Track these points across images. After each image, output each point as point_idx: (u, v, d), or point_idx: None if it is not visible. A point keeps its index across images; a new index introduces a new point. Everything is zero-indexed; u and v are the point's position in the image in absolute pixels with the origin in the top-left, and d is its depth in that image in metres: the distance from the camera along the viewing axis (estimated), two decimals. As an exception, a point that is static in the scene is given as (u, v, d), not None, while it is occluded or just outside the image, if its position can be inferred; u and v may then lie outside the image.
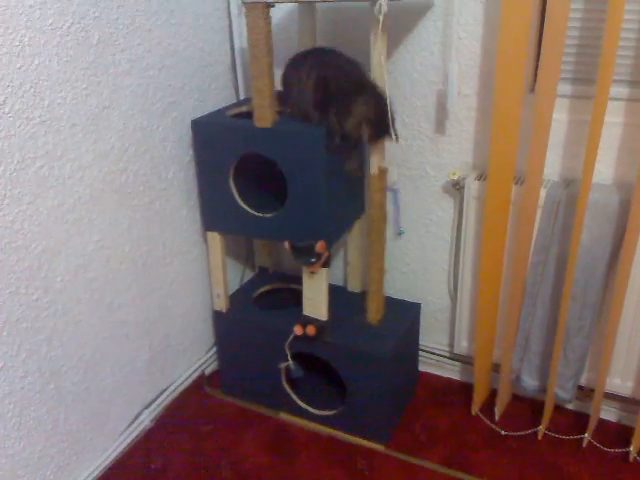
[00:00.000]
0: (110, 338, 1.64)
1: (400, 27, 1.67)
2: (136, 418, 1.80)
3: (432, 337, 2.01)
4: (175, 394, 1.94)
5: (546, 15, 1.34)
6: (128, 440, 1.76)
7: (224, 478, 1.66)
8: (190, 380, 2.00)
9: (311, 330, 1.70)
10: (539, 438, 1.74)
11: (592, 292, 1.58)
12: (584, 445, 1.71)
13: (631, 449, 1.64)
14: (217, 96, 1.86)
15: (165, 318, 1.84)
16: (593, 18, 1.48)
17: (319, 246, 1.59)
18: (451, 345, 1.98)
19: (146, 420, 1.82)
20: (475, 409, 1.84)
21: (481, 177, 1.67)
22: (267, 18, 1.47)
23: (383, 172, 1.61)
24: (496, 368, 1.81)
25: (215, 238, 1.77)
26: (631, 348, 1.62)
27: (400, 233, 1.89)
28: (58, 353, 1.48)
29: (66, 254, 1.44)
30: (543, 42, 1.37)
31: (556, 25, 1.34)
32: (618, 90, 1.50)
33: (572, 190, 1.52)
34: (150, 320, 1.78)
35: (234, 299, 1.92)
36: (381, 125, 1.49)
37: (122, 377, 1.71)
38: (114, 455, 1.72)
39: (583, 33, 1.50)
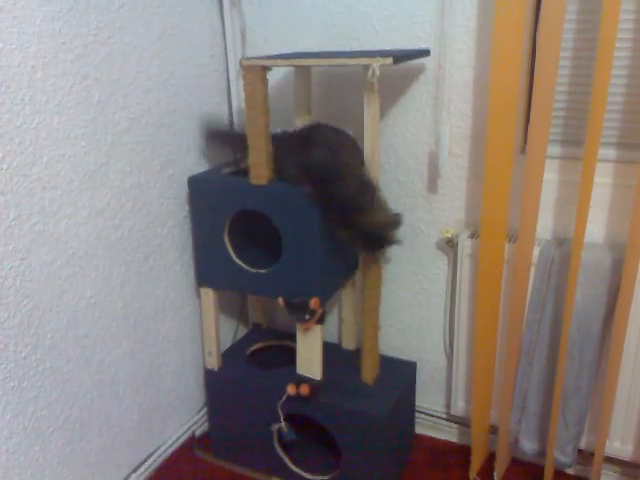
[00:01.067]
0: (99, 397, 1.60)
1: (393, 90, 1.72)
2: None
3: (428, 397, 1.97)
4: (164, 457, 1.88)
5: (534, 79, 1.39)
6: None
7: None
8: (180, 442, 1.94)
9: (305, 390, 1.66)
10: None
11: (589, 351, 1.56)
12: None
13: None
14: (215, 154, 1.89)
15: (156, 376, 1.80)
16: (581, 82, 1.53)
17: (313, 303, 1.58)
18: (448, 406, 1.94)
19: (134, 482, 1.76)
20: (473, 474, 1.78)
21: (474, 235, 1.68)
22: (264, 80, 1.51)
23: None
24: (494, 430, 1.77)
25: (208, 294, 1.76)
26: (630, 410, 1.59)
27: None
28: (44, 414, 1.44)
29: (57, 311, 1.43)
30: (532, 105, 1.41)
31: (545, 89, 1.38)
32: (607, 152, 1.53)
33: (565, 249, 1.53)
34: (141, 378, 1.74)
35: (227, 357, 1.88)
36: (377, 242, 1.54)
37: (110, 439, 1.66)
38: None
39: (572, 97, 1.55)
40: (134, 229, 1.62)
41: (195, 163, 1.81)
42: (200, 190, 1.66)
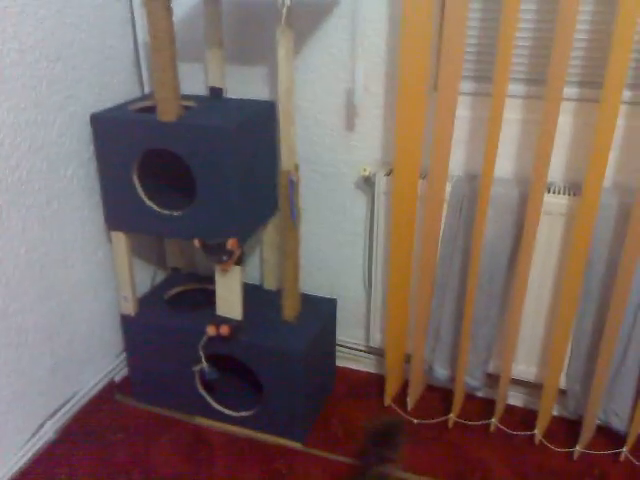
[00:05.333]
0: (6, 345, 1.53)
1: (308, 24, 1.66)
2: (38, 430, 1.69)
3: (348, 332, 2.03)
4: (82, 403, 1.84)
5: (444, 15, 1.38)
6: (29, 454, 1.66)
7: (136, 486, 1.60)
8: (98, 388, 1.91)
9: (224, 330, 1.66)
10: (450, 426, 1.79)
11: (497, 283, 1.64)
12: (492, 430, 1.77)
13: (536, 432, 1.72)
14: (120, 90, 1.78)
15: (68, 323, 1.74)
16: (492, 18, 1.53)
17: (230, 243, 1.56)
18: (366, 339, 2.00)
19: (49, 432, 1.72)
20: (388, 400, 1.87)
21: (390, 172, 1.69)
22: (169, 8, 1.42)
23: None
24: (409, 359, 1.84)
25: (120, 238, 1.69)
26: (533, 335, 1.70)
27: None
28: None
29: (-49, 259, 1.34)
30: (442, 41, 1.40)
31: (455, 24, 1.37)
32: (515, 88, 1.56)
33: (475, 185, 1.57)
34: (52, 326, 1.68)
35: (144, 302, 1.84)
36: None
37: (21, 387, 1.60)
38: (14, 470, 1.61)
39: (482, 32, 1.55)
40: (33, 170, 1.51)
41: (98, 99, 1.69)
42: (104, 128, 1.56)
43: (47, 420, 1.72)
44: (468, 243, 1.62)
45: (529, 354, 1.73)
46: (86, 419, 1.82)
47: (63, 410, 1.77)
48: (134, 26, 1.78)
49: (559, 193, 1.53)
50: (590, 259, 1.52)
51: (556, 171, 1.58)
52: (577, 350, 1.65)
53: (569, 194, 1.52)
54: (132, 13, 1.77)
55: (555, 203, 1.52)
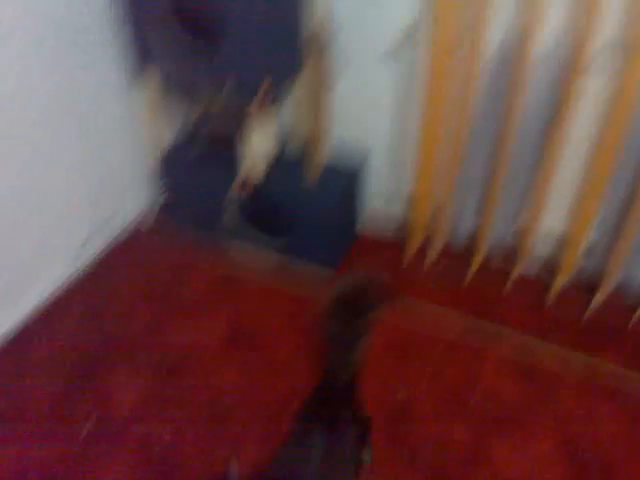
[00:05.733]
0: (46, 169, 1.63)
1: None
2: (81, 252, 1.83)
3: (378, 180, 2.00)
4: (121, 229, 1.97)
5: None
6: (74, 271, 1.82)
7: (172, 306, 1.75)
8: (136, 216, 2.03)
9: (254, 174, 1.70)
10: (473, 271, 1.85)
11: (539, 125, 1.59)
12: (508, 286, 1.82)
13: (553, 288, 1.77)
14: None
15: (101, 158, 1.82)
16: None
17: (264, 85, 1.52)
18: (395, 189, 1.99)
19: (91, 253, 1.87)
20: (407, 258, 1.92)
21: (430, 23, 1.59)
22: None
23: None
24: (435, 211, 1.85)
25: (151, 74, 1.66)
26: (567, 188, 1.67)
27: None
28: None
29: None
30: None
31: None
32: None
33: (517, 43, 1.46)
34: (87, 159, 1.76)
35: (177, 141, 1.88)
36: None
37: (62, 210, 1.72)
38: (60, 285, 1.77)
39: None
40: (57, 4, 1.49)
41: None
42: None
43: (88, 243, 1.86)
44: (511, 93, 1.56)
45: (559, 207, 1.71)
46: (125, 245, 1.95)
47: (105, 233, 1.91)
48: None
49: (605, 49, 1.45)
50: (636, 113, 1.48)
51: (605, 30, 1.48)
52: (610, 205, 1.63)
53: (616, 51, 1.45)
54: None
55: (601, 60, 1.44)
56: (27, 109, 1.52)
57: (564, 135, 1.54)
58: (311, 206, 1.72)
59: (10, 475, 1.30)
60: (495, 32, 1.55)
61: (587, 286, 1.80)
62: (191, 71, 1.61)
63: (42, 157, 1.60)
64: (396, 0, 1.63)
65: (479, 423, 1.43)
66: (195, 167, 1.82)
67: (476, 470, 1.33)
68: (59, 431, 1.38)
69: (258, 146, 1.70)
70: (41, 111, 1.55)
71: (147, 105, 1.76)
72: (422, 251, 1.93)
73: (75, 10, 1.55)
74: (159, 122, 1.79)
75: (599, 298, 1.73)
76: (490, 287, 1.83)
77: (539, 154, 1.65)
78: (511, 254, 1.88)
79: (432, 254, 1.91)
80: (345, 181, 1.82)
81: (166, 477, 1.30)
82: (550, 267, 1.85)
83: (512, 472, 1.33)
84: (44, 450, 1.34)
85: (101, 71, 1.70)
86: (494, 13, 1.47)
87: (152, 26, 1.55)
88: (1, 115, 1.44)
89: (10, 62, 1.42)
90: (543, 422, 1.44)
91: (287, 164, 1.83)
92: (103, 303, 1.75)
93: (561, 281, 1.77)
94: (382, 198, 2.04)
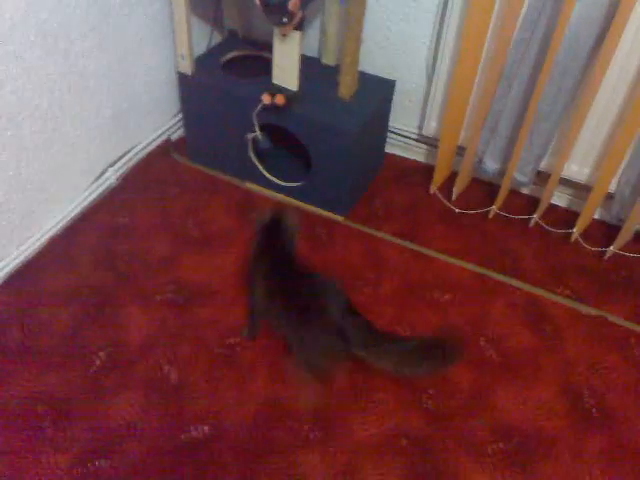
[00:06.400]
0: (67, 90, 1.56)
1: None
2: (101, 175, 1.81)
3: (403, 118, 1.99)
4: (140, 155, 1.93)
5: None
6: (94, 195, 1.79)
7: (190, 235, 1.74)
8: (155, 143, 1.98)
9: (280, 99, 1.64)
10: (490, 217, 1.84)
11: (570, 76, 1.53)
12: (531, 225, 1.81)
13: (574, 230, 1.75)
14: None
15: (127, 75, 1.75)
16: None
17: (292, 4, 1.46)
18: (420, 127, 1.96)
19: (111, 178, 1.83)
20: (434, 188, 1.90)
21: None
22: None
23: None
24: (461, 151, 1.83)
25: (179, -10, 1.61)
26: (595, 137, 1.64)
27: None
28: (12, 99, 1.41)
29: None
30: None
31: None
32: None
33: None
34: (111, 76, 1.69)
35: (200, 63, 1.81)
36: None
37: (84, 133, 1.68)
38: (79, 208, 1.75)
39: None
40: None
41: None
42: None
43: (109, 167, 1.82)
44: (549, 29, 1.49)
45: (585, 155, 1.69)
46: (144, 171, 1.92)
47: (123, 160, 1.87)
48: None
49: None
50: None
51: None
52: (636, 156, 1.60)
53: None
54: None
55: None
56: (64, 7, 1.45)
57: (602, 75, 1.45)
58: (341, 124, 1.65)
59: (21, 406, 1.31)
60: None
61: (606, 232, 1.77)
62: None
63: (69, 69, 1.54)
64: None
65: (484, 368, 1.44)
66: (216, 90, 1.76)
67: (479, 414, 1.36)
68: (71, 363, 1.39)
69: (286, 63, 1.64)
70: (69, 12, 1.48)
71: (176, 17, 1.69)
72: (449, 181, 1.92)
73: None
74: (184, 39, 1.71)
75: (616, 243, 1.70)
76: (508, 231, 1.80)
77: (574, 93, 1.57)
78: (532, 199, 1.85)
79: (458, 187, 1.88)
80: (375, 102, 1.76)
81: (177, 409, 1.34)
82: (570, 216, 1.82)
83: (514, 417, 1.35)
84: (56, 380, 1.36)
85: None
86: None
87: None
88: (38, 7, 1.38)
89: None
90: (548, 369, 1.45)
91: (318, 81, 1.77)
92: (120, 231, 1.73)
93: (580, 226, 1.73)
94: (411, 127, 2.00)
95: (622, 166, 1.63)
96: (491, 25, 1.56)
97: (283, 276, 1.33)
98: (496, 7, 1.53)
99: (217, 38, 2.00)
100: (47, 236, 1.67)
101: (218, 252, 1.69)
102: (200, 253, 1.69)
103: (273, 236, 1.37)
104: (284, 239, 1.37)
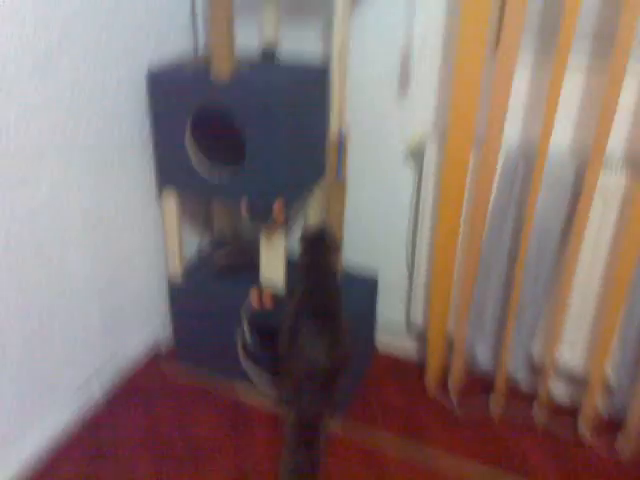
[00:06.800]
0: (57, 297, 1.57)
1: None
2: (86, 390, 1.73)
3: (389, 309, 1.99)
4: (127, 365, 1.88)
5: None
6: (77, 413, 1.70)
7: (178, 455, 1.61)
8: (144, 352, 1.95)
9: (267, 297, 1.67)
10: (491, 415, 1.74)
11: (545, 262, 1.58)
12: (535, 422, 1.72)
13: (579, 426, 1.66)
14: (175, 43, 1.79)
15: (117, 283, 1.78)
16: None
17: (277, 205, 1.56)
18: (407, 318, 1.97)
19: (97, 392, 1.76)
20: (429, 385, 1.83)
21: (441, 141, 1.66)
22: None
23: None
24: (451, 342, 1.81)
25: (170, 197, 1.72)
26: (581, 322, 1.62)
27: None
28: (1, 310, 1.41)
29: (10, 207, 1.37)
30: (506, 5, 1.36)
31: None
32: (577, 59, 1.50)
33: (530, 157, 1.52)
34: (101, 285, 1.71)
35: (190, 268, 1.87)
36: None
37: (70, 345, 1.64)
38: (62, 427, 1.65)
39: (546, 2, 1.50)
40: (89, 125, 1.54)
41: (154, 53, 1.70)
42: (159, 87, 1.58)
43: (94, 380, 1.76)
44: (518, 219, 1.57)
45: (574, 341, 1.65)
46: (131, 382, 1.85)
47: (109, 372, 1.81)
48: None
49: (617, 171, 1.46)
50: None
51: (616, 147, 1.51)
52: (625, 340, 1.57)
53: (628, 173, 1.45)
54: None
55: (613, 184, 1.45)
56: (59, 221, 1.52)
57: (575, 257, 1.50)
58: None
59: None
60: (509, 137, 1.59)
61: (613, 425, 1.68)
62: (209, 192, 1.66)
63: (59, 277, 1.55)
64: (412, 113, 1.71)
65: None
66: (205, 294, 1.79)
67: None
68: None
69: (272, 261, 1.68)
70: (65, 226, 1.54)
71: (167, 224, 1.78)
72: (443, 377, 1.85)
73: (108, 131, 1.62)
74: (175, 245, 1.79)
75: (625, 438, 1.59)
76: (512, 430, 1.71)
77: (552, 279, 1.60)
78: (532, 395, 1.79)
79: (454, 383, 1.81)
80: (360, 297, 1.76)
81: None
82: (574, 409, 1.75)
83: None
84: None
85: (124, 189, 1.73)
86: (508, 119, 1.51)
87: (174, 147, 1.63)
88: (34, 223, 1.44)
89: (42, 175, 1.43)
90: None
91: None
92: (105, 450, 1.61)
93: (584, 421, 1.64)
94: (395, 322, 1.99)
95: (613, 350, 1.59)
96: (463, 215, 1.65)
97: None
98: (465, 197, 1.62)
99: (207, 242, 2.08)
100: (29, 455, 1.55)
101: (206, 471, 1.56)
102: (188, 474, 1.55)
103: (318, 252, 1.55)
104: (328, 255, 1.55)
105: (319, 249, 1.56)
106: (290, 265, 1.70)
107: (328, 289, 1.52)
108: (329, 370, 1.39)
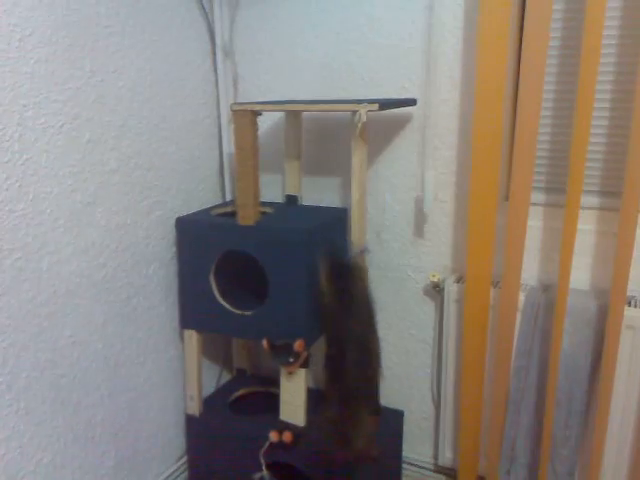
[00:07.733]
0: (73, 441, 1.54)
1: (381, 138, 1.75)
2: None
3: (416, 447, 1.92)
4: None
5: (516, 127, 1.43)
6: None
7: None
8: (157, 491, 1.87)
9: (287, 437, 1.62)
10: None
11: (577, 399, 1.53)
12: None
13: None
14: (203, 197, 1.90)
15: (134, 421, 1.75)
16: (563, 132, 1.57)
17: (297, 345, 1.56)
18: (435, 456, 1.89)
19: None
20: (461, 528, 1.72)
21: (460, 280, 1.68)
22: (254, 124, 1.55)
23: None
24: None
25: (192, 337, 1.74)
26: (620, 459, 1.55)
27: None
28: (15, 456, 1.38)
29: (35, 349, 1.40)
30: (514, 152, 1.44)
31: (526, 137, 1.41)
32: (589, 199, 1.56)
33: (550, 295, 1.53)
34: (118, 423, 1.69)
35: (209, 403, 1.84)
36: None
37: (83, 487, 1.59)
38: None
39: (554, 145, 1.59)
40: (118, 269, 1.61)
41: (183, 205, 1.82)
42: (187, 230, 1.66)
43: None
44: (544, 355, 1.55)
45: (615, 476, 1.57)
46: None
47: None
48: (220, 139, 1.94)
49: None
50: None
51: (637, 283, 1.52)
52: None
53: (652, 307, 1.45)
54: (219, 128, 1.93)
55: (637, 317, 1.45)
56: (82, 361, 1.52)
57: (609, 393, 1.45)
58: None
59: None
60: (527, 278, 1.61)
61: None
62: (231, 331, 1.71)
63: (77, 420, 1.54)
64: (430, 252, 1.77)
65: None
66: (223, 431, 1.76)
67: None
68: None
69: (292, 400, 1.66)
70: (86, 366, 1.54)
71: (188, 363, 1.79)
72: None
73: (136, 273, 1.67)
74: (194, 381, 1.78)
75: None
76: None
77: (586, 416, 1.54)
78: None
79: None
80: (385, 434, 1.69)
81: None
82: None
83: None
84: None
85: (147, 327, 1.75)
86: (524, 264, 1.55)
87: (198, 289, 1.68)
88: (57, 365, 1.44)
89: (68, 318, 1.47)
90: None
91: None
92: None
93: None
94: (425, 457, 1.92)
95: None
96: (488, 353, 1.63)
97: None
98: (488, 336, 1.62)
99: (226, 376, 2.07)
100: None
101: None
102: None
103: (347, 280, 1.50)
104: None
105: (348, 277, 1.52)
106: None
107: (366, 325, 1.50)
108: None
